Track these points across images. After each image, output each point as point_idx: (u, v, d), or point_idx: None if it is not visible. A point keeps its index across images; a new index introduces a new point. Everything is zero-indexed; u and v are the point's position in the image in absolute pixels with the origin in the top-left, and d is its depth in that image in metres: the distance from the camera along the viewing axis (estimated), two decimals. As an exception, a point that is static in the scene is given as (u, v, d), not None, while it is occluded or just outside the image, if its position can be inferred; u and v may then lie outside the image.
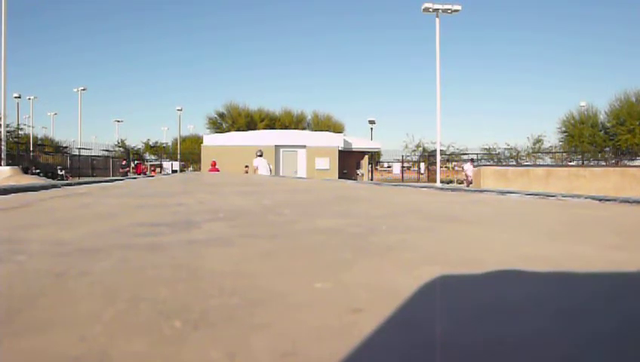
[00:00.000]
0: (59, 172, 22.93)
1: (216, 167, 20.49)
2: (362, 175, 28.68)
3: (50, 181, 10.55)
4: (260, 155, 16.20)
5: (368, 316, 0.54)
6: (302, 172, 25.94)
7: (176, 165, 37.84)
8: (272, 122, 39.67)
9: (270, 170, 16.31)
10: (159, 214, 1.82)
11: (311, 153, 26.57)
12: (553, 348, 0.44)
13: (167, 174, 21.86)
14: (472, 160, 20.31)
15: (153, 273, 0.78)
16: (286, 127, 36.07)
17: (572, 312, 0.55)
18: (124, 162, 28.44)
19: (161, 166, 38.20)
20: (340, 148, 26.75)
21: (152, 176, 15.17)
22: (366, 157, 29.83)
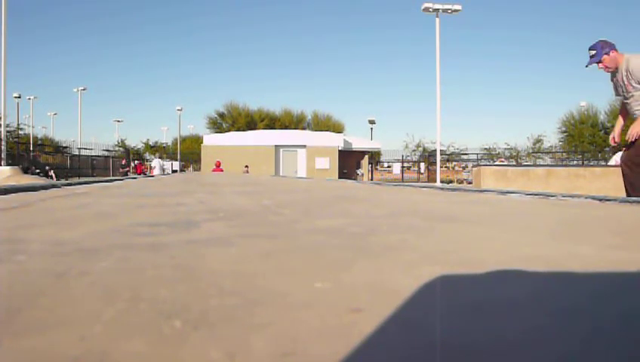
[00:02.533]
0: (50, 173, 21.55)
1: (221, 167, 20.42)
2: (362, 175, 28.67)
3: (50, 181, 10.54)
4: (159, 157, 20.29)
5: (368, 316, 0.54)
6: (302, 172, 25.92)
7: (177, 165, 37.81)
8: (272, 122, 39.65)
9: (164, 169, 20.62)
10: (159, 214, 1.82)
11: (311, 153, 26.56)
12: (554, 348, 0.44)
13: (167, 174, 21.83)
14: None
15: (153, 273, 0.78)
16: (286, 127, 36.06)
17: (572, 312, 0.55)
18: (124, 162, 28.54)
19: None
20: (340, 148, 26.75)
21: (152, 176, 15.17)
22: (366, 157, 29.83)
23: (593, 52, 5.20)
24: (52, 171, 21.79)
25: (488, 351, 0.44)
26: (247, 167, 21.90)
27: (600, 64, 5.14)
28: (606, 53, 5.13)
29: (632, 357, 0.43)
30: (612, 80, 5.09)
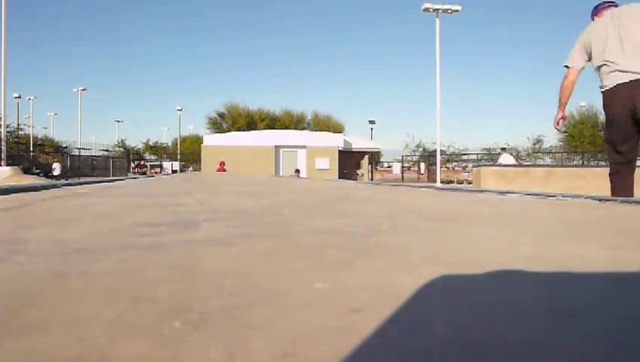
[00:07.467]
0: (53, 169, 21.76)
1: (224, 167, 20.11)
2: (362, 175, 28.66)
3: (50, 181, 10.54)
4: (56, 161, 24.34)
5: (368, 316, 0.54)
6: (302, 172, 25.90)
7: (177, 165, 37.84)
8: (272, 122, 39.63)
9: (62, 171, 23.33)
10: (159, 214, 1.82)
11: (311, 153, 26.53)
12: (555, 349, 0.44)
13: (168, 174, 21.81)
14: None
15: (153, 273, 0.78)
16: (286, 127, 36.03)
17: (573, 313, 0.55)
18: (142, 162, 30.36)
19: (160, 166, 38.17)
20: (340, 148, 26.73)
21: (152, 176, 15.14)
22: (366, 157, 29.81)
23: None
24: (55, 165, 22.44)
25: (488, 352, 0.44)
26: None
27: None
28: None
29: (634, 358, 0.43)
30: None
